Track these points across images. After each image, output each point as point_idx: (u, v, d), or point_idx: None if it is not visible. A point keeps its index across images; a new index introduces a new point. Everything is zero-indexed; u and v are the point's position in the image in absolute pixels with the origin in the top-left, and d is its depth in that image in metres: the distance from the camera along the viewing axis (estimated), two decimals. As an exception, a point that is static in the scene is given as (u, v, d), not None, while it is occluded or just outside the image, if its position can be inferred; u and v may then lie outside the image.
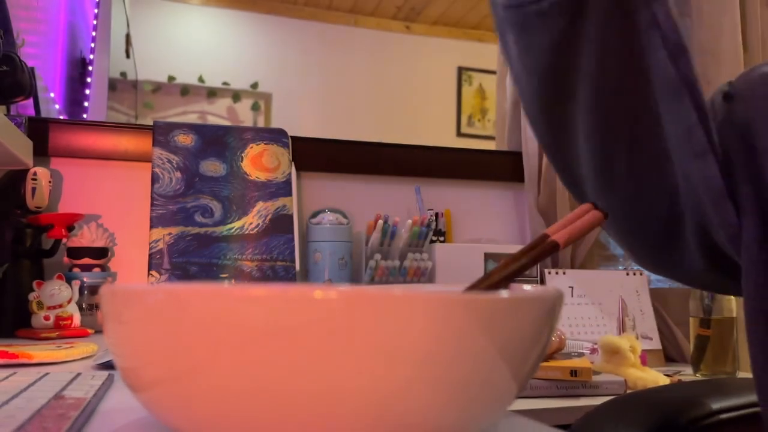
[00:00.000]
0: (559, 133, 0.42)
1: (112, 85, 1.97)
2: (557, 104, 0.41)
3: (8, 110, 0.88)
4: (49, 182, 0.88)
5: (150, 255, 0.84)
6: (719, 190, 0.36)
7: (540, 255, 0.32)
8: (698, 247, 0.39)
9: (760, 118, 0.36)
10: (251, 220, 0.90)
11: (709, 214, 0.37)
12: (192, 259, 0.85)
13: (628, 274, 1.06)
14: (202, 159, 0.93)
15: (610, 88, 0.38)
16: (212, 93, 3.14)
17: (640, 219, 0.42)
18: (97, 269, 0.89)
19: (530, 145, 1.17)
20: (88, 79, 1.49)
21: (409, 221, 0.97)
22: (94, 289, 0.85)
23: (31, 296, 0.76)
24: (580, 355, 0.77)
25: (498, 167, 1.20)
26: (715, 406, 0.47)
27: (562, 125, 0.41)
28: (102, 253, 0.90)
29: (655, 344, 1.00)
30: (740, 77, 0.39)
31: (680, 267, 0.42)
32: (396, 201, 1.12)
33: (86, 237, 0.89)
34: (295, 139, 1.02)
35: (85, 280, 0.85)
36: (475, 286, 0.33)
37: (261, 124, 3.16)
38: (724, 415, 0.46)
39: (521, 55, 0.40)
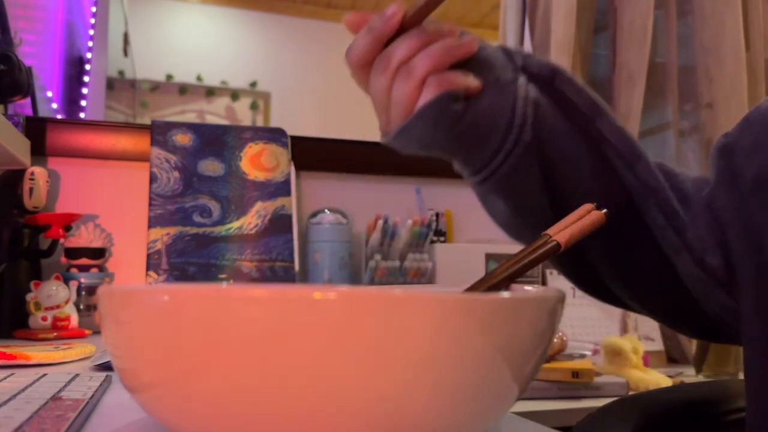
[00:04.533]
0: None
1: (110, 84, 1.97)
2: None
3: (6, 109, 0.87)
4: (47, 182, 0.87)
5: (148, 255, 0.84)
6: (703, 281, 0.37)
7: (541, 256, 0.32)
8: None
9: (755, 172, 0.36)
10: (250, 220, 0.90)
11: (706, 302, 0.38)
12: (190, 259, 0.85)
13: (628, 273, 1.05)
14: (201, 158, 0.92)
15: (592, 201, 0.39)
16: (211, 92, 3.14)
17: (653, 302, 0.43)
18: (94, 269, 0.88)
19: (530, 144, 1.17)
20: (86, 78, 1.49)
21: (409, 221, 0.97)
22: (91, 290, 0.85)
23: (29, 297, 0.76)
24: (582, 356, 0.77)
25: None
26: (718, 407, 0.46)
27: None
28: (100, 253, 0.90)
29: (658, 345, 1.00)
30: (743, 120, 0.39)
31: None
32: (396, 201, 1.11)
33: (84, 237, 0.89)
34: (294, 138, 1.02)
35: (82, 280, 0.85)
36: (476, 287, 0.32)
37: (260, 123, 3.16)
38: (726, 417, 0.46)
39: (515, 209, 0.42)
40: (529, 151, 0.38)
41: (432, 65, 0.36)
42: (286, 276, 0.88)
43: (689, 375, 0.90)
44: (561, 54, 1.13)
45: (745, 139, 0.37)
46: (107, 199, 0.97)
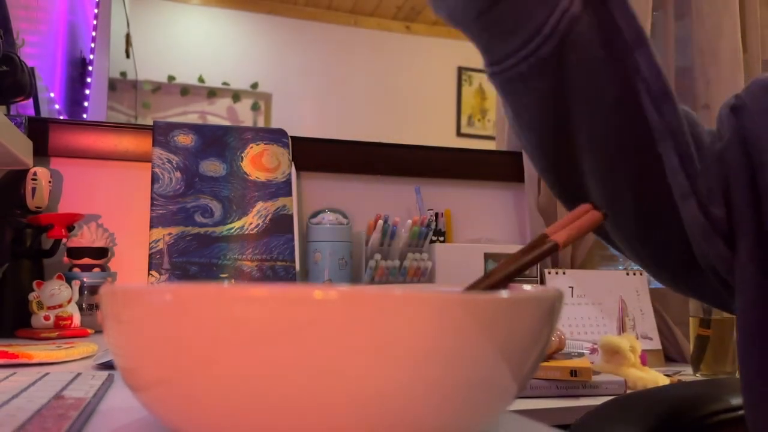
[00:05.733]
0: (564, 172, 0.43)
1: (112, 85, 1.97)
2: (558, 153, 0.42)
3: (8, 110, 0.88)
4: (49, 182, 0.88)
5: (150, 255, 0.84)
6: (705, 227, 0.37)
7: (540, 255, 0.32)
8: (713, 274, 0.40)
9: (764, 132, 0.37)
10: (251, 220, 0.90)
11: (704, 247, 0.38)
12: (192, 259, 0.85)
13: (628, 274, 1.06)
14: (202, 159, 0.93)
15: (607, 131, 0.39)
16: (212, 93, 3.14)
17: (652, 252, 0.43)
18: (97, 269, 0.89)
19: (530, 145, 1.17)
20: (88, 79, 1.49)
21: (409, 221, 0.97)
22: (94, 289, 0.85)
23: (31, 296, 0.76)
24: (580, 355, 0.77)
25: (498, 167, 1.20)
26: (715, 406, 0.47)
27: (567, 167, 0.42)
28: (102, 253, 0.90)
29: (655, 344, 1.00)
30: (745, 89, 0.39)
31: (699, 289, 0.43)
32: (396, 201, 1.12)
33: (86, 237, 0.89)
34: (295, 139, 1.02)
35: (85, 280, 0.85)
36: (475, 286, 0.33)
37: (261, 124, 3.16)
38: (723, 416, 0.46)
39: (515, 115, 0.41)
40: (547, 64, 0.37)
41: None
42: (287, 276, 0.88)
43: (687, 374, 0.90)
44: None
45: (756, 103, 0.37)
46: (109, 199, 0.98)
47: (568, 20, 0.36)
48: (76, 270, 0.88)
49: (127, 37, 2.30)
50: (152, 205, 0.87)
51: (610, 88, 0.38)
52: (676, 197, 0.38)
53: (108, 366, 0.49)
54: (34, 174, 0.85)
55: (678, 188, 0.37)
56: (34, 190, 0.84)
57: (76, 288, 0.80)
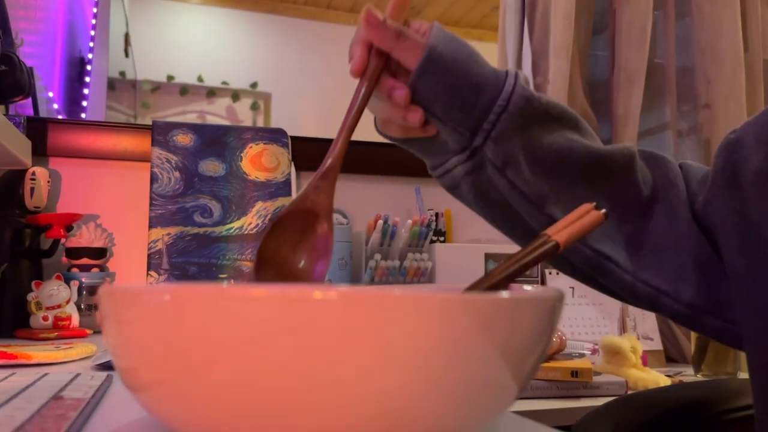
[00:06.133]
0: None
1: (111, 85, 1.97)
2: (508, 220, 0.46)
3: (7, 110, 0.87)
4: (48, 182, 0.87)
5: (149, 255, 0.84)
6: (687, 315, 0.39)
7: (541, 255, 0.32)
8: None
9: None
10: (250, 220, 0.90)
11: (693, 328, 0.40)
12: (191, 259, 0.85)
13: (627, 274, 1.05)
14: (202, 159, 0.92)
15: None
16: (211, 92, 3.14)
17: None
18: (95, 269, 0.88)
19: (530, 144, 1.17)
20: (87, 79, 1.49)
21: (409, 221, 0.97)
22: (92, 290, 0.85)
23: (30, 296, 0.76)
24: (581, 355, 0.77)
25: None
26: (717, 407, 0.47)
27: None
28: (101, 253, 0.90)
29: (656, 345, 1.00)
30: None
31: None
32: (396, 201, 1.11)
33: (85, 237, 0.89)
34: (294, 138, 1.02)
35: (83, 280, 0.85)
36: (476, 287, 0.33)
37: (260, 123, 3.16)
38: (725, 416, 0.46)
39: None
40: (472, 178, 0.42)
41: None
42: (286, 276, 0.88)
43: (688, 374, 0.90)
44: (560, 55, 1.13)
45: (749, 135, 0.37)
46: (108, 199, 0.98)
47: (467, 181, 0.42)
48: (75, 270, 0.87)
49: (126, 36, 2.30)
50: (151, 205, 0.87)
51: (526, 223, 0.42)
52: (646, 307, 0.40)
53: (107, 366, 0.49)
54: (33, 174, 0.85)
55: (643, 299, 0.40)
56: (32, 189, 0.84)
57: (75, 288, 0.80)
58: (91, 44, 1.60)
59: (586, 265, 0.40)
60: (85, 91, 1.45)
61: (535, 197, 0.39)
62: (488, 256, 1.01)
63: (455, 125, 0.40)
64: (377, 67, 0.39)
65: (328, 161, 0.38)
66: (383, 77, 0.40)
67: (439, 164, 0.43)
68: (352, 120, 0.39)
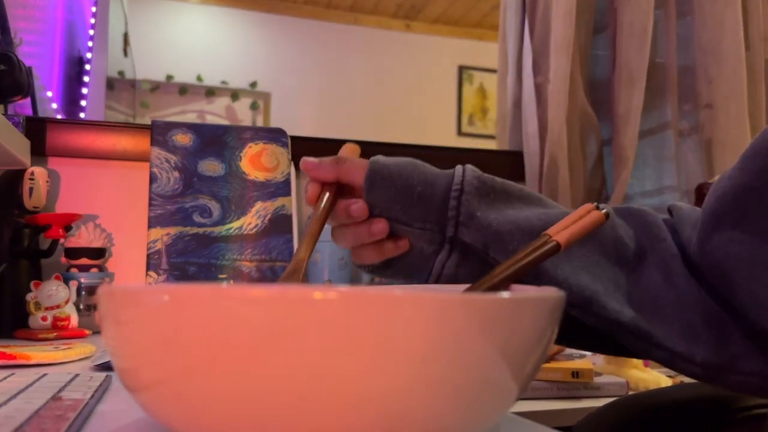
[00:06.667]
0: None
1: (110, 84, 1.97)
2: None
3: (6, 109, 0.87)
4: (47, 182, 0.87)
5: (148, 255, 0.84)
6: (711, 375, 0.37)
7: (541, 255, 0.32)
8: None
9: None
10: (250, 220, 0.90)
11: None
12: (190, 259, 0.85)
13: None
14: (201, 159, 0.92)
15: None
16: (211, 92, 3.14)
17: None
18: (94, 270, 0.88)
19: (531, 144, 1.17)
20: (86, 78, 1.48)
21: (409, 221, 0.97)
22: (91, 290, 0.85)
23: (29, 297, 0.76)
24: (582, 356, 0.77)
25: (499, 167, 1.20)
26: (717, 407, 0.46)
27: None
28: (100, 253, 0.90)
29: (656, 344, 0.99)
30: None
31: None
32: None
33: (84, 237, 0.89)
34: (294, 138, 1.02)
35: (82, 280, 0.85)
36: (476, 287, 0.32)
37: (260, 123, 3.16)
38: (725, 417, 0.46)
39: None
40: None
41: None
42: (286, 276, 0.88)
43: (689, 375, 0.90)
44: (560, 54, 1.13)
45: (732, 168, 0.36)
46: (107, 199, 0.97)
47: (446, 278, 0.41)
48: (74, 270, 0.87)
49: (125, 35, 2.30)
50: (150, 204, 0.87)
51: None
52: (667, 365, 0.38)
53: (106, 367, 0.49)
54: (32, 174, 0.85)
55: (660, 359, 0.38)
56: (31, 189, 0.84)
57: (74, 288, 0.80)
58: (90, 44, 1.60)
59: (602, 329, 0.38)
60: (84, 90, 1.44)
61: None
62: (488, 256, 1.01)
63: (421, 224, 0.40)
64: (331, 190, 0.42)
65: (291, 264, 0.39)
66: (338, 202, 0.42)
67: (427, 275, 0.42)
68: (316, 226, 0.41)
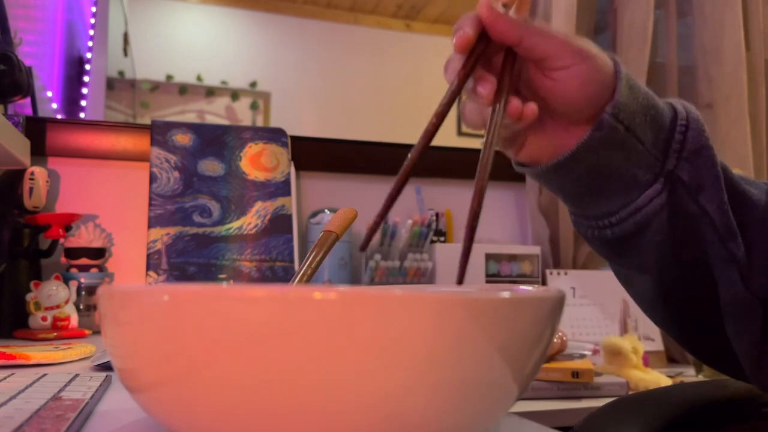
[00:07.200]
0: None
1: (110, 84, 1.97)
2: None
3: (6, 109, 0.87)
4: (47, 182, 0.87)
5: (148, 255, 0.84)
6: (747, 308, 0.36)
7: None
8: None
9: None
10: (250, 220, 0.90)
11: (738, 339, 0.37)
12: (190, 259, 0.85)
13: (628, 273, 1.05)
14: (201, 158, 0.92)
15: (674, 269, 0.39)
16: (211, 92, 3.14)
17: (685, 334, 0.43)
18: (94, 270, 0.88)
19: (530, 144, 1.17)
20: (86, 78, 1.48)
21: (409, 221, 0.97)
22: (91, 290, 0.85)
23: (29, 297, 0.76)
24: (582, 356, 0.77)
25: (499, 167, 1.19)
26: (718, 407, 0.46)
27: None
28: (99, 253, 0.90)
29: (658, 345, 1.00)
30: None
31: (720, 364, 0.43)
32: (396, 201, 1.11)
33: (84, 237, 0.89)
34: (294, 138, 1.02)
35: (82, 280, 0.85)
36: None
37: (260, 123, 3.16)
38: (726, 417, 0.46)
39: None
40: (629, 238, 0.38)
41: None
42: (286, 276, 0.88)
43: (689, 375, 0.90)
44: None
45: None
46: (107, 199, 0.97)
47: (650, 215, 0.37)
48: (74, 270, 0.87)
49: (125, 35, 2.30)
50: (150, 204, 0.87)
51: (680, 230, 0.38)
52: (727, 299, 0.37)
53: (106, 367, 0.49)
54: (32, 174, 0.85)
55: (733, 297, 0.37)
56: (31, 189, 0.84)
57: (74, 288, 0.80)
58: (90, 43, 1.59)
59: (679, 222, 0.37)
60: (84, 90, 1.44)
61: (724, 228, 0.36)
62: (488, 257, 1.01)
63: (650, 145, 0.36)
64: (474, 57, 0.35)
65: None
66: (510, 99, 0.36)
67: (620, 206, 0.37)
68: (449, 101, 0.34)
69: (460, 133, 3.49)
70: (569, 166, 0.37)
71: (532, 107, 0.35)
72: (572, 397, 0.68)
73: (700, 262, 0.37)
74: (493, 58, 0.37)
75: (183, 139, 0.93)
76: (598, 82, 0.35)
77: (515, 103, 0.35)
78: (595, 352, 0.83)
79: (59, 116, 1.28)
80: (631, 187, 0.37)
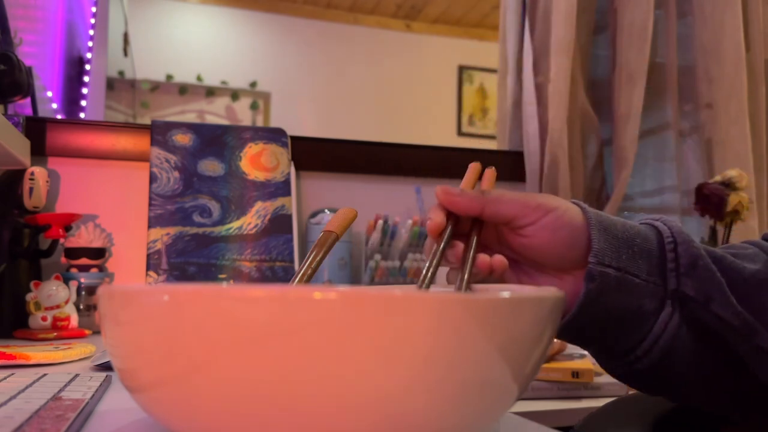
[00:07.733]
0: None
1: (110, 84, 1.97)
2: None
3: (6, 109, 0.87)
4: (47, 182, 0.87)
5: (148, 255, 0.84)
6: None
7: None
8: None
9: None
10: (250, 220, 0.90)
11: None
12: (190, 259, 0.85)
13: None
14: (201, 158, 0.92)
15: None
16: (211, 92, 3.14)
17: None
18: (94, 270, 0.88)
19: (531, 144, 1.17)
20: (86, 78, 1.48)
21: (409, 221, 0.97)
22: (91, 290, 0.85)
23: (29, 297, 0.76)
24: (582, 356, 0.77)
25: (499, 167, 1.19)
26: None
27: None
28: (99, 253, 0.90)
29: (656, 344, 0.99)
30: None
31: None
32: (396, 201, 1.11)
33: (84, 237, 0.89)
34: (294, 138, 1.02)
35: (82, 280, 0.85)
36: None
37: (260, 123, 3.16)
38: (725, 417, 0.46)
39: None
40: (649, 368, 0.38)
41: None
42: (286, 276, 0.88)
43: (689, 375, 0.90)
44: (561, 54, 1.13)
45: None
46: (107, 199, 0.97)
47: (667, 339, 0.37)
48: (74, 270, 0.87)
49: (125, 35, 2.30)
50: (150, 205, 0.87)
51: (718, 373, 0.38)
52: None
53: (106, 367, 0.49)
54: (32, 174, 0.85)
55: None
56: (31, 189, 0.84)
57: (74, 288, 0.80)
58: (90, 44, 1.60)
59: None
60: (84, 90, 1.44)
61: (744, 329, 0.36)
62: (488, 256, 1.01)
63: (646, 275, 0.36)
64: (452, 223, 0.37)
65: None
66: (477, 256, 0.37)
67: (640, 340, 0.37)
68: (436, 262, 0.36)
69: (460, 132, 3.50)
70: (579, 321, 0.37)
71: (499, 258, 0.37)
72: (572, 397, 0.67)
73: (733, 360, 0.37)
74: (464, 226, 0.39)
75: (183, 139, 0.93)
76: (566, 227, 0.36)
77: (482, 257, 0.37)
78: (595, 352, 0.83)
79: (59, 116, 1.28)
80: (642, 319, 0.37)
